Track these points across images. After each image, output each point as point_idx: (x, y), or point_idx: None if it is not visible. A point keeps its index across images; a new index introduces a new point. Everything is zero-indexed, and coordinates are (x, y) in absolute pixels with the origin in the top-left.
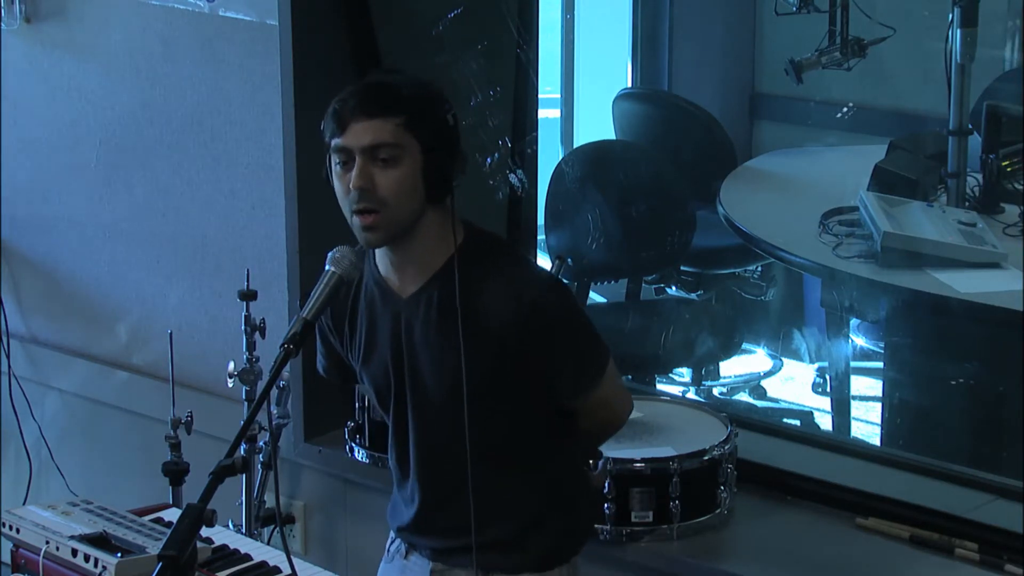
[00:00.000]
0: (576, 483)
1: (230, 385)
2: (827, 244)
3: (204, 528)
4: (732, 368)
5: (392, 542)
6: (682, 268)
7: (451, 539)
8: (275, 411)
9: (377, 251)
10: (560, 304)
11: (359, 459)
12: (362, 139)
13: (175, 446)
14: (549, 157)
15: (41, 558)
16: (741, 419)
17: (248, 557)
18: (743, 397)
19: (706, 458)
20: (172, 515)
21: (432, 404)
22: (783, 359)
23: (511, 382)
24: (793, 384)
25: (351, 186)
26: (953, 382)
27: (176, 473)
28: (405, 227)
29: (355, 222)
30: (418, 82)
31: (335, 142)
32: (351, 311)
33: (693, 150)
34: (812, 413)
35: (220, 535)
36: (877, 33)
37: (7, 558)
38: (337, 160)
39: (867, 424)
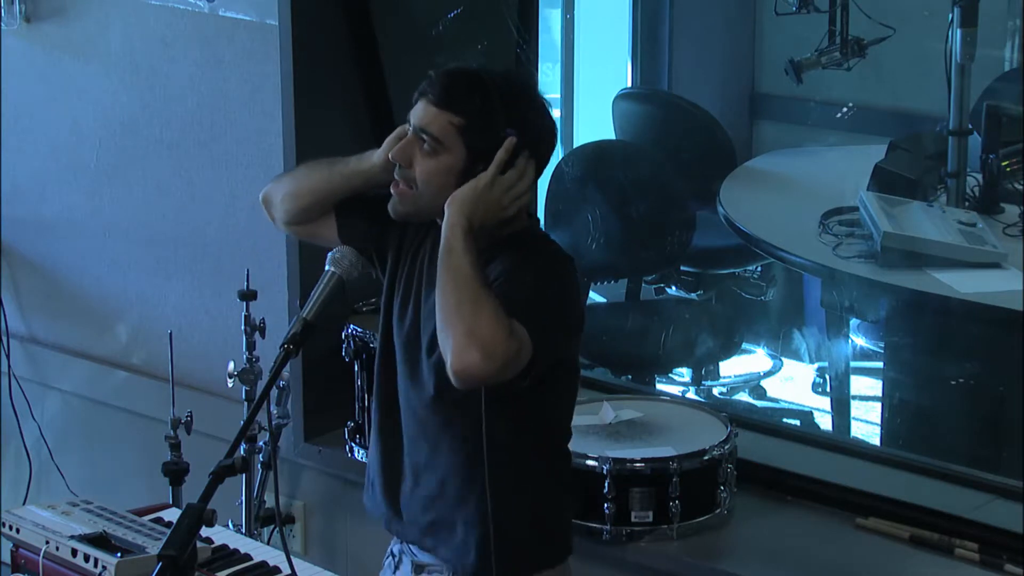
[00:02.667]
0: (553, 492)
1: (230, 385)
2: (827, 244)
3: (204, 528)
4: (732, 368)
5: (388, 555)
6: (682, 268)
7: (417, 520)
8: (275, 411)
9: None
10: (549, 269)
11: (359, 459)
12: (418, 119)
13: (175, 446)
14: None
15: (41, 558)
16: (741, 419)
17: (248, 557)
18: (743, 397)
19: (706, 458)
20: (172, 515)
21: (409, 351)
22: (783, 359)
23: None
24: (793, 384)
25: (390, 155)
26: (953, 382)
27: (176, 473)
28: (435, 212)
29: (392, 189)
30: (512, 92)
31: (411, 110)
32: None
33: (693, 150)
34: (812, 413)
35: (220, 535)
36: (877, 33)
37: (7, 558)
38: (407, 123)
39: (867, 424)
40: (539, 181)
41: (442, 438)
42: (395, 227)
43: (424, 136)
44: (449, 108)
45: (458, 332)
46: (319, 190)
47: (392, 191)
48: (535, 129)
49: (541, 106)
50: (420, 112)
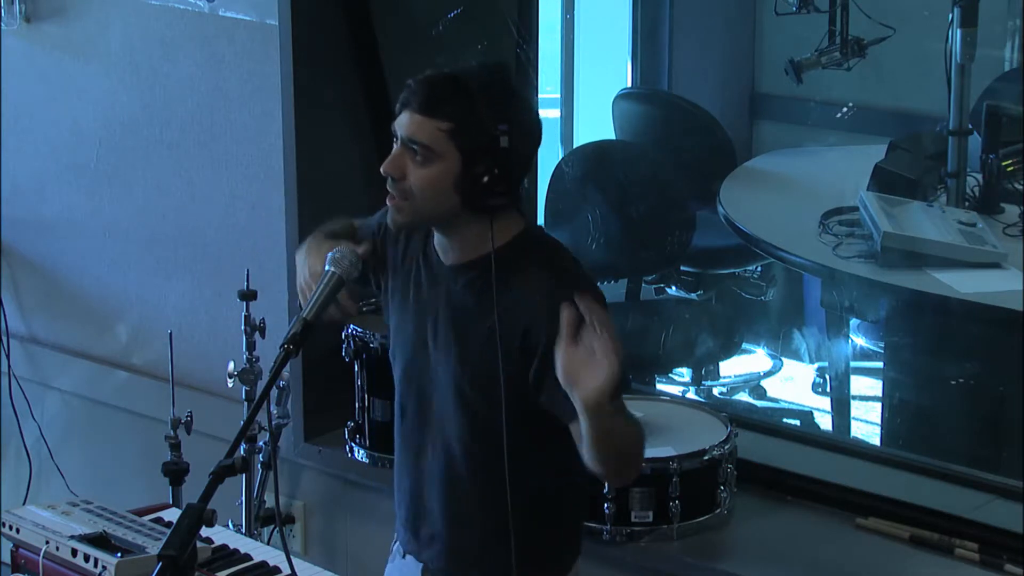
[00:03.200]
0: (569, 498)
1: (230, 385)
2: (827, 244)
3: (204, 528)
4: (732, 368)
5: (395, 542)
6: (682, 268)
7: (434, 538)
8: (275, 411)
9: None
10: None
11: (359, 459)
12: (404, 130)
13: (175, 446)
14: (549, 157)
15: (41, 558)
16: (741, 419)
17: (248, 557)
18: (743, 397)
19: (706, 458)
20: (172, 515)
21: (433, 380)
22: (783, 359)
23: (522, 380)
24: (793, 384)
25: (382, 168)
26: (953, 382)
27: (176, 473)
28: (434, 219)
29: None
30: (490, 88)
31: (394, 122)
32: (393, 249)
33: (693, 150)
34: (812, 413)
35: (220, 535)
36: (877, 33)
37: (7, 558)
38: (394, 137)
39: (867, 424)
40: (539, 181)
41: (469, 465)
42: (374, 260)
43: (414, 146)
44: (435, 115)
45: (620, 464)
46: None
47: (388, 204)
48: (523, 122)
49: (521, 96)
50: (406, 122)
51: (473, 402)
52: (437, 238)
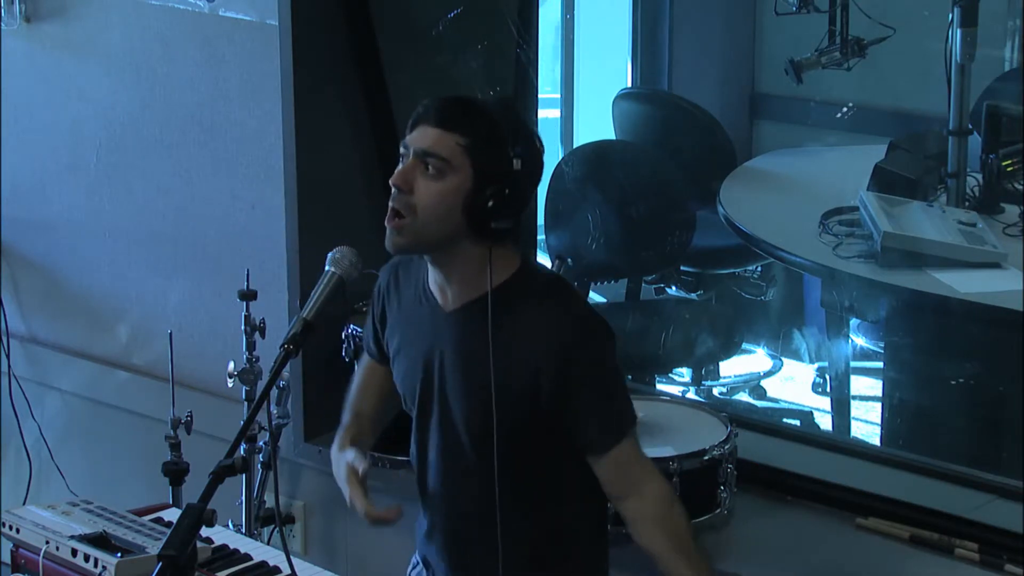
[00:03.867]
0: (594, 535)
1: (230, 385)
2: (827, 244)
3: (204, 528)
4: (732, 368)
5: (413, 567)
6: (682, 268)
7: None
8: (275, 411)
9: (427, 263)
10: (601, 359)
11: None
12: (421, 142)
13: (175, 446)
14: (549, 157)
15: (41, 558)
16: (741, 419)
17: (248, 557)
18: (743, 397)
19: (706, 458)
20: (172, 515)
21: (454, 430)
22: (783, 359)
23: (538, 422)
24: (793, 384)
25: (391, 181)
26: (953, 382)
27: (176, 473)
28: (433, 244)
29: (387, 222)
30: (508, 116)
31: (405, 138)
32: (387, 307)
33: (693, 150)
34: (812, 413)
35: (220, 535)
36: (877, 33)
37: (7, 558)
38: (400, 155)
39: (867, 424)
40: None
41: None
42: (374, 321)
43: (430, 158)
44: (455, 129)
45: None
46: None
47: (388, 225)
48: (533, 154)
49: (532, 130)
50: (422, 135)
51: (488, 442)
52: (433, 280)
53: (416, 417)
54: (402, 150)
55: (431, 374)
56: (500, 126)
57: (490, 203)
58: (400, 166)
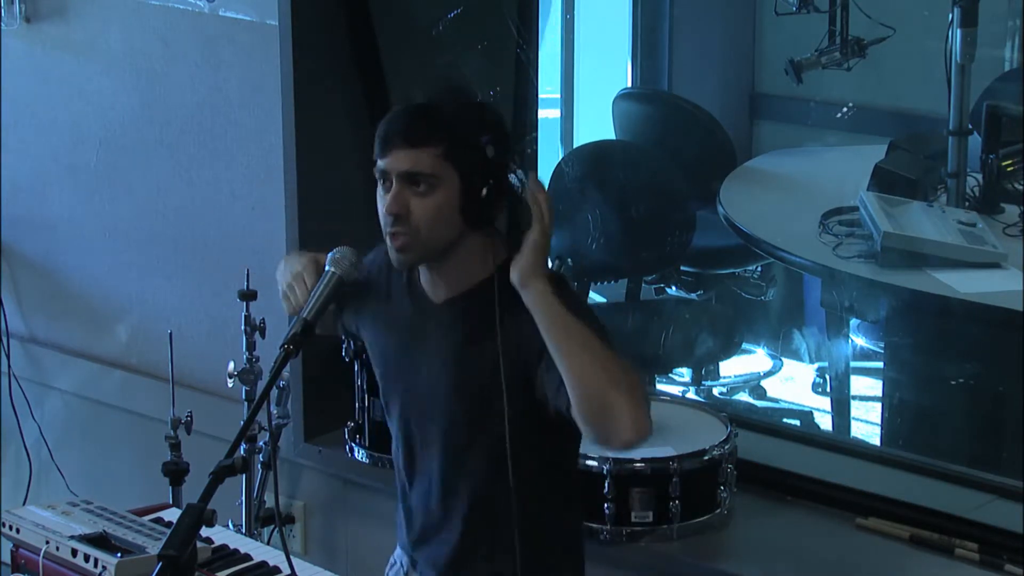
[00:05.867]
0: (573, 526)
1: (230, 385)
2: (827, 244)
3: (204, 528)
4: (732, 368)
5: (392, 566)
6: (682, 268)
7: (450, 567)
8: (275, 411)
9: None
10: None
11: (359, 459)
12: (400, 165)
13: (175, 446)
14: (549, 157)
15: (41, 558)
16: (741, 419)
17: (248, 557)
18: (743, 397)
19: (706, 458)
20: (172, 515)
21: (439, 418)
22: (783, 359)
23: (526, 407)
24: (793, 384)
25: (385, 211)
26: (953, 382)
27: (176, 473)
28: (438, 251)
29: (388, 241)
30: (464, 107)
31: (378, 164)
32: (371, 289)
33: (693, 150)
34: (812, 413)
35: (220, 535)
36: (877, 33)
37: (7, 558)
38: (379, 179)
39: (867, 424)
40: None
41: (471, 472)
42: (348, 304)
43: (418, 178)
44: (428, 143)
45: (622, 400)
46: None
47: (392, 245)
48: (497, 125)
49: (484, 105)
50: (399, 159)
51: (487, 424)
52: (424, 276)
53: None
54: (380, 176)
55: (417, 363)
56: (462, 121)
57: (483, 193)
58: (388, 194)
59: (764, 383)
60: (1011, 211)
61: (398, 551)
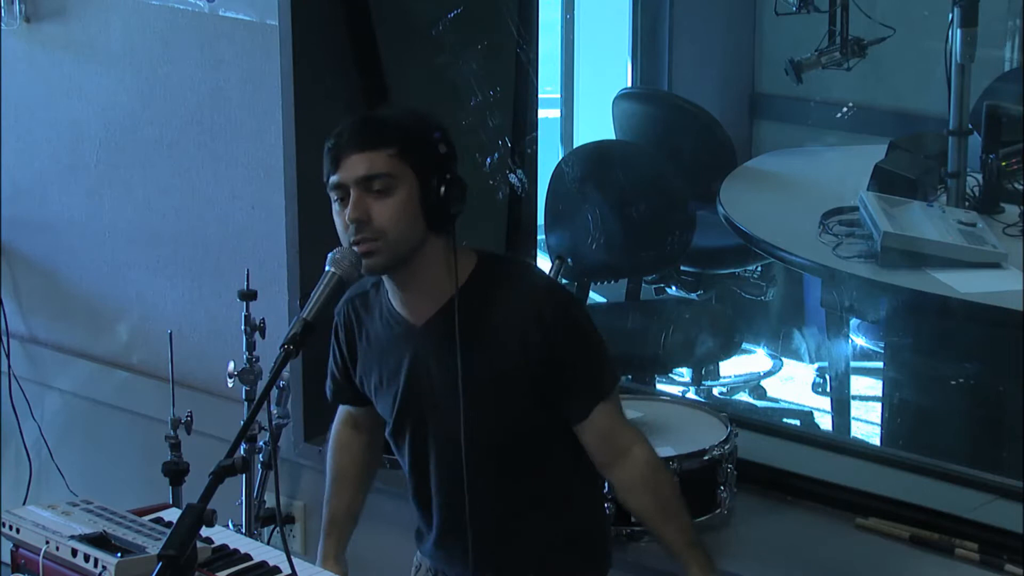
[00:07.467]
0: (595, 519)
1: (230, 385)
2: (827, 244)
3: (204, 528)
4: (732, 368)
5: (417, 569)
6: (682, 268)
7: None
8: (275, 411)
9: (388, 287)
10: (579, 322)
11: None
12: (356, 171)
13: (175, 446)
14: (549, 157)
15: (41, 558)
16: (741, 419)
17: (248, 557)
18: (743, 397)
19: (706, 458)
20: (172, 515)
21: (451, 432)
22: (783, 359)
23: (533, 408)
24: (793, 384)
25: (347, 219)
26: (953, 382)
27: (176, 473)
28: (405, 255)
29: (355, 250)
30: (409, 113)
31: (331, 179)
32: (356, 342)
33: (693, 150)
34: (812, 413)
35: (220, 535)
36: (877, 33)
37: (7, 558)
38: (335, 197)
39: (867, 424)
40: (539, 181)
41: (498, 480)
42: (344, 360)
43: (374, 180)
44: (379, 145)
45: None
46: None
47: (361, 252)
48: (442, 126)
49: (423, 112)
50: (353, 166)
51: (493, 436)
52: (397, 300)
53: (410, 435)
54: (334, 192)
55: (418, 390)
56: (410, 122)
57: (442, 192)
58: (345, 205)
59: (764, 383)
60: (1011, 211)
61: (418, 555)
